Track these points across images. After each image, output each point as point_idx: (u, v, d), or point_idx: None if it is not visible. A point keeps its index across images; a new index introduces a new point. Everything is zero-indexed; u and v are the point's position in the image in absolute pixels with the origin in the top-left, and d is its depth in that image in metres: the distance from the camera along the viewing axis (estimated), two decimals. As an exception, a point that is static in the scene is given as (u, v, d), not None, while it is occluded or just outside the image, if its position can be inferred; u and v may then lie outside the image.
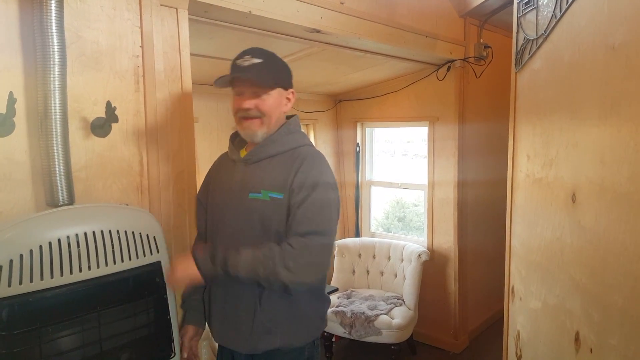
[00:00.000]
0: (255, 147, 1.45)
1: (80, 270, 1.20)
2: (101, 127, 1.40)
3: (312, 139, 3.99)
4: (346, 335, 3.10)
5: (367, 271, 3.64)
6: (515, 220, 1.95)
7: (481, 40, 3.24)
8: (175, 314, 1.43)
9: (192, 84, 1.67)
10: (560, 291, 1.53)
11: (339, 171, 4.09)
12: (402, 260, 3.48)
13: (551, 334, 1.60)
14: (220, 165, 1.60)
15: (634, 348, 1.16)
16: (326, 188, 1.37)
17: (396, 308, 3.21)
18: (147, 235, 1.35)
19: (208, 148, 3.16)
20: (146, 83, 1.52)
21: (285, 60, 2.59)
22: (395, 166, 4.34)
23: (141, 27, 1.50)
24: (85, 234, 1.22)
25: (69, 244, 1.18)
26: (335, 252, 3.64)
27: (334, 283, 3.57)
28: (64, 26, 1.28)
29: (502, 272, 2.07)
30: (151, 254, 1.35)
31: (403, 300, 3.32)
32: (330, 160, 4.08)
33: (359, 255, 3.65)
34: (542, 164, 1.66)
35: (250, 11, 1.82)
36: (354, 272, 3.65)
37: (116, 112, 1.39)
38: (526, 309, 1.81)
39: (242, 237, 1.40)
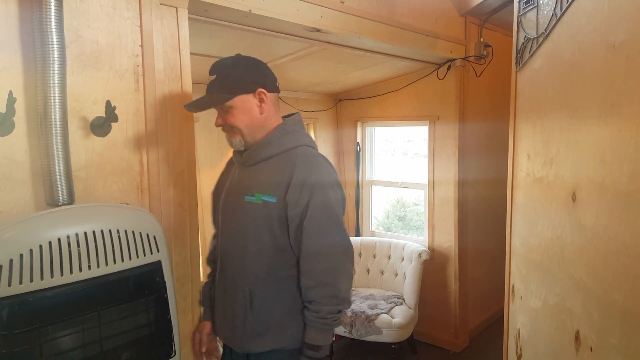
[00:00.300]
0: (251, 150, 1.44)
1: (81, 270, 1.20)
2: (101, 126, 1.40)
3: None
4: (346, 335, 3.11)
5: (368, 270, 3.64)
6: (515, 219, 1.94)
7: (482, 39, 3.24)
8: (175, 314, 1.43)
9: (192, 83, 1.67)
10: (560, 290, 1.53)
11: (340, 170, 4.09)
12: (403, 259, 3.48)
13: (551, 333, 1.60)
14: (229, 165, 1.63)
15: (634, 347, 1.16)
16: (324, 191, 1.35)
17: (396, 307, 3.21)
18: (147, 234, 1.35)
19: (208, 148, 3.16)
20: (146, 82, 1.52)
21: (285, 59, 2.63)
22: (396, 165, 4.34)
23: (141, 26, 1.49)
24: (86, 233, 1.22)
25: (69, 244, 1.18)
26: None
27: (334, 282, 3.57)
28: (64, 25, 1.28)
29: (502, 271, 2.07)
30: (151, 253, 1.35)
31: (403, 299, 3.32)
32: (330, 159, 4.08)
33: (360, 255, 3.65)
34: (542, 163, 1.66)
35: (250, 10, 1.81)
36: (354, 271, 3.65)
37: (116, 112, 1.39)
38: (526, 308, 1.81)
39: (239, 239, 1.42)
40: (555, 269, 1.56)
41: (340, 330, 3.11)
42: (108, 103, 1.38)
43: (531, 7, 1.74)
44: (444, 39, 3.00)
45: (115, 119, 1.40)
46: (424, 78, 3.43)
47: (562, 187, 1.50)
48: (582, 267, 1.39)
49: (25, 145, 1.28)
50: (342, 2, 2.23)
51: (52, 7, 1.24)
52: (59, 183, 1.27)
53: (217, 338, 1.59)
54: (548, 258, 1.61)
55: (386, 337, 3.04)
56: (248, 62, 1.45)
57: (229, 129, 1.43)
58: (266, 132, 1.43)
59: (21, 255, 1.11)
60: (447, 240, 3.49)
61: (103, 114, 1.40)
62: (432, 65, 3.34)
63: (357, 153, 3.97)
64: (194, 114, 1.70)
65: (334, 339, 3.33)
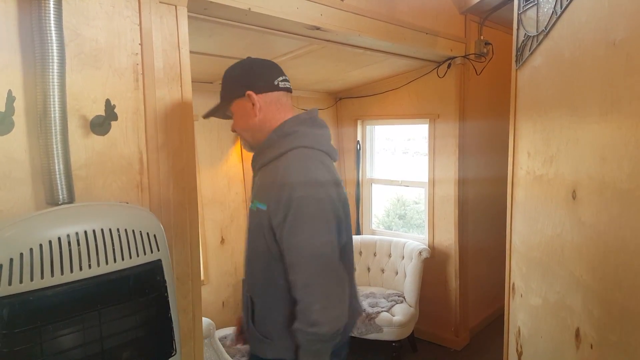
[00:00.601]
0: (255, 154, 1.45)
1: (81, 269, 1.19)
2: (101, 125, 1.40)
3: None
4: (347, 333, 3.11)
5: (368, 269, 3.64)
6: (515, 217, 1.94)
7: (482, 37, 3.24)
8: (176, 312, 1.43)
9: (192, 82, 1.67)
10: (560, 288, 1.53)
11: (340, 169, 4.09)
12: (403, 257, 3.48)
13: (552, 330, 1.60)
14: None
15: (634, 344, 1.16)
16: (301, 199, 1.22)
17: (397, 305, 3.21)
18: (147, 233, 1.34)
19: (208, 147, 3.16)
20: (145, 81, 1.51)
21: (285, 57, 2.63)
22: (396, 164, 4.34)
23: (140, 25, 1.49)
24: (86, 232, 1.21)
25: (69, 243, 1.18)
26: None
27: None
28: (63, 24, 1.28)
29: (502, 269, 2.07)
30: (152, 252, 1.35)
31: (404, 297, 3.33)
32: (330, 157, 4.08)
33: (360, 253, 3.65)
34: (542, 161, 1.65)
35: (249, 8, 1.81)
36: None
37: (115, 110, 1.39)
38: (527, 305, 1.81)
39: (246, 246, 1.46)
40: (556, 266, 1.56)
41: None
42: (107, 102, 1.38)
43: (531, 4, 1.74)
44: (444, 36, 2.99)
45: (114, 117, 1.40)
46: (424, 76, 3.43)
47: (562, 185, 1.50)
48: (583, 265, 1.39)
49: (24, 144, 1.28)
50: (342, 0, 2.23)
51: (51, 5, 1.23)
52: (58, 182, 1.27)
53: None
54: (548, 256, 1.61)
55: (387, 335, 3.05)
56: (243, 64, 1.42)
57: (237, 134, 1.47)
58: (265, 134, 1.38)
59: (21, 254, 1.10)
60: (448, 238, 3.49)
61: (103, 113, 1.39)
62: (432, 63, 3.33)
63: (357, 151, 3.97)
64: (194, 112, 1.71)
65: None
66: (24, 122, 1.28)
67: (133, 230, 1.31)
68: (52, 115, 1.25)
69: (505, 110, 2.03)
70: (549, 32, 1.60)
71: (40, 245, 1.13)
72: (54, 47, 1.25)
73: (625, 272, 1.19)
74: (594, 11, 1.33)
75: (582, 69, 1.40)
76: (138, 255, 1.31)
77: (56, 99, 1.26)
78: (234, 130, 1.47)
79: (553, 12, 1.56)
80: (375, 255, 3.64)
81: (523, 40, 1.83)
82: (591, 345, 1.34)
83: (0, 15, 1.23)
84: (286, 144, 1.33)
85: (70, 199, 1.31)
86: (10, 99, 1.21)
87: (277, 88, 1.39)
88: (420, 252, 3.32)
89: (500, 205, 2.16)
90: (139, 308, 1.33)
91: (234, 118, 1.42)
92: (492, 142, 3.56)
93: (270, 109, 1.38)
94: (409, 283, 3.33)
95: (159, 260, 1.37)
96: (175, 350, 1.40)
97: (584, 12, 1.38)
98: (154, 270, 1.35)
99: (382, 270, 3.60)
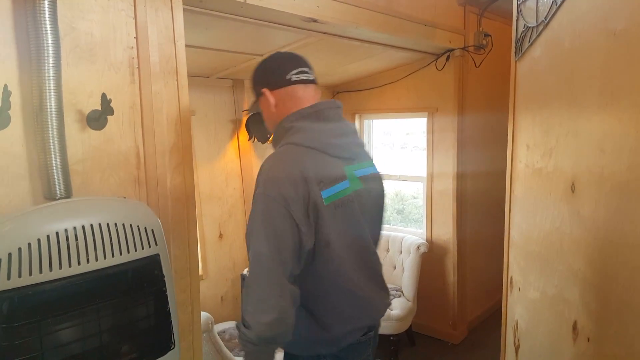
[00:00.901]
0: None
1: (79, 264, 1.19)
2: (97, 119, 1.39)
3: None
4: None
5: (367, 262, 3.65)
6: (514, 210, 1.94)
7: (481, 29, 3.22)
8: (174, 306, 1.43)
9: (189, 76, 1.66)
10: (558, 281, 1.53)
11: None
12: (401, 252, 3.48)
13: (549, 323, 1.60)
14: None
15: (630, 336, 1.16)
16: (256, 197, 1.22)
17: (395, 299, 3.22)
18: (145, 227, 1.34)
19: (206, 141, 3.15)
20: (141, 75, 1.50)
21: (282, 50, 2.60)
22: (394, 158, 4.33)
23: (135, 18, 1.48)
24: (83, 227, 1.21)
25: (67, 237, 1.18)
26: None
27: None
28: (58, 18, 1.26)
29: (501, 263, 2.07)
30: (149, 246, 1.35)
31: (402, 291, 3.33)
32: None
33: (358, 247, 3.65)
34: (541, 154, 1.65)
35: (245, 0, 1.80)
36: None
37: (112, 105, 1.38)
38: (525, 299, 1.81)
39: None
40: (554, 260, 1.56)
41: None
42: (104, 96, 1.37)
43: (530, -4, 1.73)
44: (443, 28, 2.98)
45: (111, 112, 1.39)
46: (423, 69, 3.42)
47: (561, 178, 1.50)
48: (581, 258, 1.39)
49: (21, 139, 1.27)
50: (340, -7, 2.22)
51: (46, -1, 1.22)
52: (56, 177, 1.27)
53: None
54: (547, 249, 1.61)
55: (385, 329, 3.05)
56: (262, 62, 1.45)
57: None
58: None
59: (20, 249, 1.10)
60: (446, 232, 3.50)
61: (99, 107, 1.39)
62: (430, 55, 3.32)
63: (356, 145, 3.96)
64: (190, 106, 1.71)
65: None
66: (21, 117, 1.27)
67: (131, 225, 1.31)
68: (49, 110, 1.24)
69: (505, 103, 2.03)
70: (548, 22, 1.59)
71: (39, 240, 1.13)
72: (49, 41, 1.23)
73: (623, 265, 1.19)
74: (594, 1, 1.32)
75: (582, 60, 1.39)
76: (136, 250, 1.31)
77: (52, 94, 1.25)
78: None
79: (553, 2, 1.55)
80: (373, 249, 3.64)
81: (522, 31, 1.82)
82: (588, 338, 1.34)
83: (-6, 8, 1.22)
84: (283, 140, 1.33)
85: (68, 194, 1.30)
86: (7, 93, 1.20)
87: (290, 82, 1.37)
88: (418, 247, 3.32)
89: (499, 199, 2.16)
90: (138, 302, 1.33)
91: (262, 114, 1.47)
92: (491, 135, 3.55)
93: (285, 104, 1.37)
94: (407, 277, 3.33)
95: (157, 255, 1.37)
96: (174, 344, 1.40)
97: (584, 1, 1.37)
98: (152, 265, 1.35)
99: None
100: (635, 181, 1.13)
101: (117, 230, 1.27)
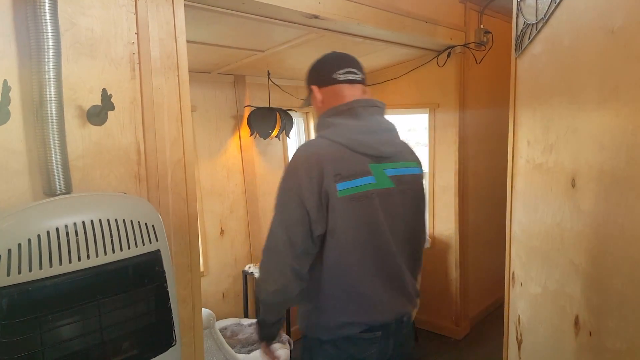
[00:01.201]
0: None
1: (79, 259, 1.19)
2: (97, 115, 1.39)
3: (311, 127, 3.97)
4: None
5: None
6: (515, 206, 1.94)
7: (481, 26, 3.21)
8: (175, 303, 1.43)
9: (190, 71, 1.66)
10: (560, 276, 1.53)
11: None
12: (403, 247, 3.48)
13: (551, 318, 1.60)
14: None
15: (632, 330, 1.16)
16: (281, 183, 1.36)
17: (397, 295, 3.22)
18: (146, 223, 1.34)
19: (207, 137, 3.15)
20: (142, 70, 1.50)
21: (283, 47, 2.62)
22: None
23: (136, 14, 1.48)
24: (84, 222, 1.21)
25: (67, 233, 1.18)
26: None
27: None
28: (58, 13, 1.26)
29: (503, 258, 2.07)
30: (150, 242, 1.34)
31: (404, 287, 3.33)
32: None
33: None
34: (542, 150, 1.65)
35: (247, -3, 1.80)
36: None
37: (112, 100, 1.38)
38: (526, 294, 1.81)
39: None
40: (555, 255, 1.56)
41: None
42: (104, 91, 1.37)
43: (531, -9, 1.72)
44: (444, 25, 2.97)
45: (111, 107, 1.39)
46: (424, 65, 3.41)
47: (562, 173, 1.50)
48: (582, 253, 1.39)
49: (21, 134, 1.27)
50: (340, -11, 2.21)
51: (46, -6, 1.22)
52: (55, 172, 1.27)
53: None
54: (548, 244, 1.61)
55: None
56: (316, 61, 1.56)
57: None
58: None
59: (19, 245, 1.10)
60: (448, 228, 3.50)
61: (99, 103, 1.38)
62: (431, 52, 3.31)
63: (357, 142, 3.95)
64: (191, 102, 1.71)
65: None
66: (20, 112, 1.27)
67: (131, 221, 1.30)
68: (49, 106, 1.24)
69: (505, 99, 2.02)
70: (548, 19, 1.59)
71: (39, 236, 1.13)
72: (50, 37, 1.23)
73: (624, 260, 1.19)
74: (593, -2, 1.32)
75: (581, 57, 1.39)
76: (137, 246, 1.31)
77: (52, 89, 1.25)
78: None
79: (552, 0, 1.55)
80: (375, 245, 3.64)
81: (522, 29, 1.81)
82: (590, 333, 1.34)
83: (-6, 4, 1.22)
84: (319, 132, 1.45)
85: (68, 190, 1.30)
86: (6, 89, 1.20)
87: (337, 81, 1.47)
88: (420, 242, 3.31)
89: (501, 195, 2.16)
90: (139, 298, 1.33)
91: (313, 107, 1.58)
92: (492, 131, 3.55)
93: (330, 100, 1.47)
94: (409, 273, 3.33)
95: (158, 251, 1.37)
96: (175, 341, 1.40)
97: (583, 0, 1.37)
98: (153, 261, 1.35)
99: (382, 261, 3.60)
100: (634, 176, 1.13)
101: (117, 226, 1.27)
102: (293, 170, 1.33)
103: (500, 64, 3.17)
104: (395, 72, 3.58)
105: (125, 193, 1.46)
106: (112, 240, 1.25)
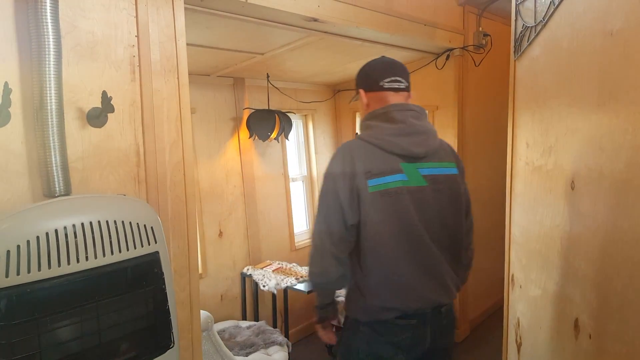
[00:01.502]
0: None
1: (78, 261, 1.19)
2: (97, 117, 1.39)
3: (310, 130, 3.98)
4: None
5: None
6: (514, 208, 1.94)
7: (480, 29, 3.22)
8: (174, 305, 1.43)
9: (189, 74, 1.66)
10: (559, 278, 1.53)
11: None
12: (402, 250, 3.47)
13: (551, 321, 1.60)
14: None
15: (632, 333, 1.16)
16: (323, 182, 1.50)
17: (396, 298, 3.22)
18: (145, 225, 1.34)
19: (206, 139, 3.16)
20: (142, 73, 1.51)
21: (282, 49, 2.62)
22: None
23: (136, 17, 1.48)
24: (83, 224, 1.21)
25: (66, 235, 1.18)
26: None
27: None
28: (59, 16, 1.27)
29: (502, 260, 2.07)
30: (149, 244, 1.34)
31: (403, 290, 3.33)
32: (329, 151, 4.08)
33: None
34: (541, 152, 1.65)
35: (246, 0, 1.80)
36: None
37: (112, 102, 1.38)
38: (526, 296, 1.81)
39: None
40: (555, 257, 1.56)
41: (341, 320, 3.12)
42: (104, 94, 1.37)
43: (530, -6, 1.73)
44: (443, 28, 2.98)
45: (111, 109, 1.39)
46: (423, 68, 3.41)
47: (561, 176, 1.50)
48: (581, 255, 1.39)
49: (21, 136, 1.27)
50: (340, -8, 2.22)
51: (47, -3, 1.22)
52: (55, 174, 1.27)
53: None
54: (547, 247, 1.61)
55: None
56: (365, 65, 1.64)
57: None
58: None
59: (18, 246, 1.10)
60: (447, 230, 3.49)
61: (99, 105, 1.39)
62: (430, 55, 3.32)
63: (356, 144, 3.95)
64: (191, 105, 1.71)
65: (334, 329, 3.34)
66: (21, 114, 1.27)
67: (130, 223, 1.30)
68: (49, 108, 1.25)
69: (504, 101, 2.03)
70: (546, 22, 1.59)
71: (38, 238, 1.13)
72: (50, 40, 1.24)
73: (623, 262, 1.19)
74: (591, 1, 1.32)
75: (580, 59, 1.39)
76: (135, 248, 1.31)
77: (52, 91, 1.25)
78: None
79: (551, 2, 1.55)
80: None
81: (521, 31, 1.82)
82: (590, 335, 1.34)
83: (-6, 6, 1.22)
84: (360, 133, 1.56)
85: (67, 191, 1.30)
86: (7, 91, 1.20)
87: (382, 88, 1.56)
88: (419, 245, 3.31)
89: (500, 197, 2.16)
90: (137, 300, 1.33)
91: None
92: (491, 133, 3.55)
93: (374, 105, 1.56)
94: (408, 275, 3.33)
95: (157, 253, 1.36)
96: (173, 343, 1.40)
97: (582, 2, 1.38)
98: (151, 263, 1.35)
99: (382, 263, 3.60)
100: (633, 179, 1.13)
101: (116, 227, 1.27)
102: (331, 167, 1.49)
103: (499, 67, 3.18)
104: (395, 75, 3.58)
105: (124, 195, 1.46)
106: (110, 242, 1.25)
